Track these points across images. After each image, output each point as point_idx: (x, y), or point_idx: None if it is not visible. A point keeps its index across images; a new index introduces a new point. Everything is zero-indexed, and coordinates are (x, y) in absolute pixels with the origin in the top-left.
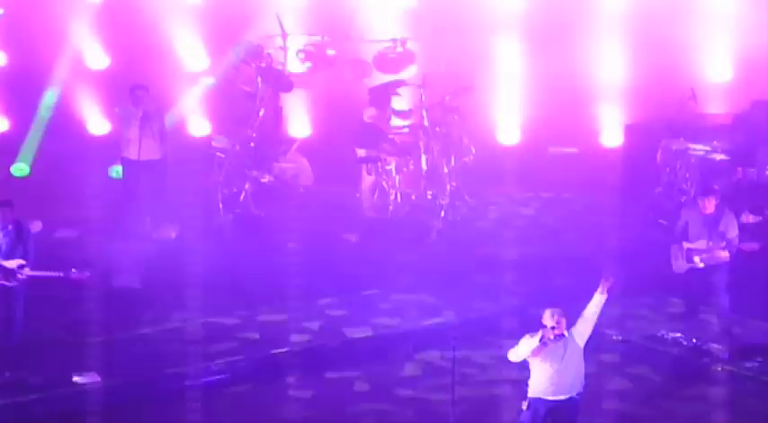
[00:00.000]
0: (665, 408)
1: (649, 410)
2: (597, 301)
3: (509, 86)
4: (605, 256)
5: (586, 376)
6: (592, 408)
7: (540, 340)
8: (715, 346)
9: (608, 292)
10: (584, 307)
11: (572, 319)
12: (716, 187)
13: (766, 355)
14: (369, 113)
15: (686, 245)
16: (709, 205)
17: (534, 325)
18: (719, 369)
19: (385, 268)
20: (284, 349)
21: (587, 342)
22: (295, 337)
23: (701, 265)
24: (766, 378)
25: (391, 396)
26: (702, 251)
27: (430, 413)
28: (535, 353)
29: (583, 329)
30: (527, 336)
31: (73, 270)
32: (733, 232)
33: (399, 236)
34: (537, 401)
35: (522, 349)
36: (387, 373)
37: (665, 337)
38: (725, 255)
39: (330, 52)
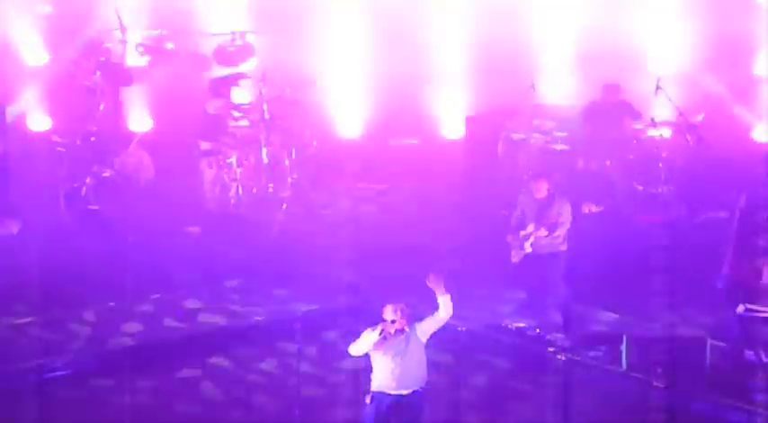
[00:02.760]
0: (510, 397)
1: (494, 401)
2: (444, 302)
3: (350, 78)
4: (444, 248)
5: (431, 367)
6: (437, 399)
7: (380, 334)
8: (558, 336)
9: (445, 289)
10: (428, 300)
11: (419, 312)
12: (547, 172)
13: (608, 344)
14: (210, 107)
15: (522, 233)
16: (541, 188)
17: (376, 318)
18: (563, 358)
19: (227, 261)
20: (128, 344)
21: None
22: (139, 332)
23: (530, 249)
24: (609, 367)
25: (236, 387)
26: (530, 235)
27: (275, 405)
28: (376, 347)
29: (428, 328)
30: (368, 329)
31: None
32: (565, 217)
33: (241, 229)
34: (380, 395)
35: (362, 343)
36: (232, 365)
37: (509, 327)
38: (543, 233)
39: (169, 46)
